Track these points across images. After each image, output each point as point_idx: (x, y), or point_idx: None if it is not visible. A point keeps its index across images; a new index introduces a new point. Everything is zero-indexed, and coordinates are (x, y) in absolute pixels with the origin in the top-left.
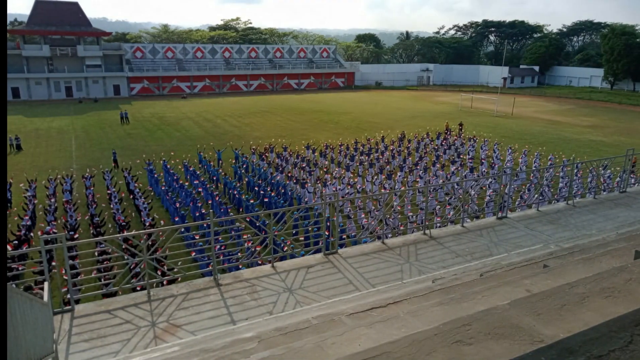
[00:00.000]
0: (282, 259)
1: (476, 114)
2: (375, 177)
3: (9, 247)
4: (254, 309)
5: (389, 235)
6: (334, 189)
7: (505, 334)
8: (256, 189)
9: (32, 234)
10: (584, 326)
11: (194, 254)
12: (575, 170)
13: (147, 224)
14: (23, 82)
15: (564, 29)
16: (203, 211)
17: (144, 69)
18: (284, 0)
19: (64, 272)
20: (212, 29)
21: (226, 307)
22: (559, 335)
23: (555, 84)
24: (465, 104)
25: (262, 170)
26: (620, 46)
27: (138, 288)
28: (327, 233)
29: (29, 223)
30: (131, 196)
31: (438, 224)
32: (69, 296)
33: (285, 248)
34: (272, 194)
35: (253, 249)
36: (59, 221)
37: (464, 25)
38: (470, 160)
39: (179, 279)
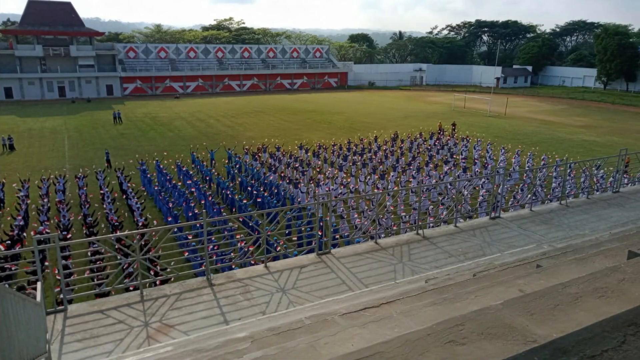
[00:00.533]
0: (275, 259)
1: (469, 114)
2: (368, 177)
3: (1, 247)
4: (247, 309)
5: (382, 235)
6: (327, 189)
7: (498, 334)
8: (249, 189)
9: (24, 234)
10: (577, 326)
11: (186, 254)
12: (569, 170)
13: (140, 224)
14: (16, 82)
15: (557, 29)
16: (196, 211)
17: (136, 69)
18: (277, 0)
19: (56, 272)
20: (205, 29)
21: (219, 307)
22: (552, 335)
23: (549, 84)
24: (458, 104)
25: (255, 170)
26: (613, 46)
27: (131, 288)
28: (320, 233)
29: (21, 223)
30: (124, 196)
31: (431, 224)
32: (61, 296)
33: (278, 248)
34: (265, 194)
35: (246, 249)
36: (51, 221)
37: (457, 25)
38: (463, 160)
39: (172, 279)
